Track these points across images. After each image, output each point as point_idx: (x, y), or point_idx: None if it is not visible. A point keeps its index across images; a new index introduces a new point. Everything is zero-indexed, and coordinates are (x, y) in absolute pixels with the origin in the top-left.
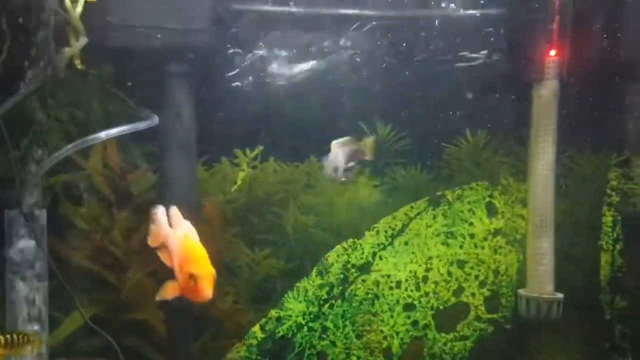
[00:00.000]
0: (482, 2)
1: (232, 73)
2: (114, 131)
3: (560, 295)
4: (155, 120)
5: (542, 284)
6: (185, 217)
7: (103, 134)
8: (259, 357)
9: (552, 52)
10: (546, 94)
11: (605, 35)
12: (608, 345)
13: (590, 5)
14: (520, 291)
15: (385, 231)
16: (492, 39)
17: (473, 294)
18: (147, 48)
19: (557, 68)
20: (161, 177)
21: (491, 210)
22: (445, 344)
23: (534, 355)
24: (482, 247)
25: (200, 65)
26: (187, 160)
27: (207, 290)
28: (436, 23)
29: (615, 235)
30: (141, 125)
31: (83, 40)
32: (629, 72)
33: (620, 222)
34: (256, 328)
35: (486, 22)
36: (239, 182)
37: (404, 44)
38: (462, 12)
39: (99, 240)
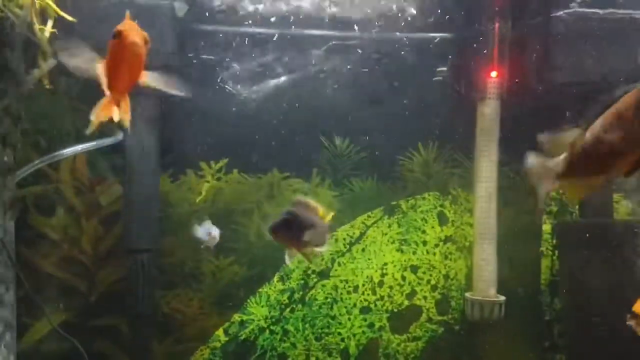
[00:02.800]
0: (434, 25)
1: (198, 90)
2: (79, 147)
3: (502, 298)
4: (119, 136)
5: (486, 287)
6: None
7: (69, 151)
8: None
9: (493, 74)
10: (488, 112)
11: (539, 59)
12: (548, 344)
13: (526, 31)
14: (467, 294)
15: (344, 239)
16: (442, 61)
17: (425, 298)
18: None
19: (498, 88)
20: (125, 190)
21: (442, 219)
22: (398, 344)
23: (481, 354)
24: (434, 254)
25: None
26: (150, 173)
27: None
28: (393, 45)
29: (554, 241)
30: (105, 141)
31: (51, 62)
32: (561, 92)
33: (556, 230)
34: (220, 332)
35: (438, 45)
36: (203, 193)
37: (362, 64)
38: (416, 34)
39: (68, 249)
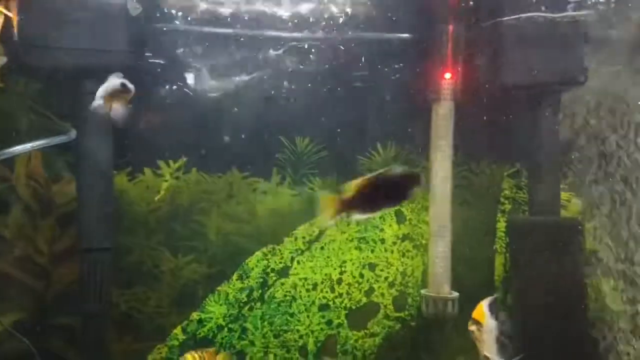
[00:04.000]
0: (391, 27)
1: (156, 89)
2: (29, 145)
3: (455, 295)
4: (72, 134)
5: (440, 284)
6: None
7: (19, 148)
8: (180, 358)
9: (447, 75)
10: (443, 112)
11: (492, 61)
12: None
13: (480, 33)
14: (423, 291)
15: (303, 237)
16: (400, 62)
17: (382, 294)
18: (64, 67)
19: (452, 89)
20: (79, 189)
21: (400, 218)
22: (356, 340)
23: (437, 350)
24: (392, 251)
25: None
26: (104, 171)
27: None
28: (351, 45)
29: (507, 239)
30: (57, 139)
31: (2, 60)
32: (513, 94)
33: (511, 229)
34: (178, 330)
35: (395, 46)
36: (162, 192)
37: (320, 65)
38: (375, 35)
39: (23, 248)
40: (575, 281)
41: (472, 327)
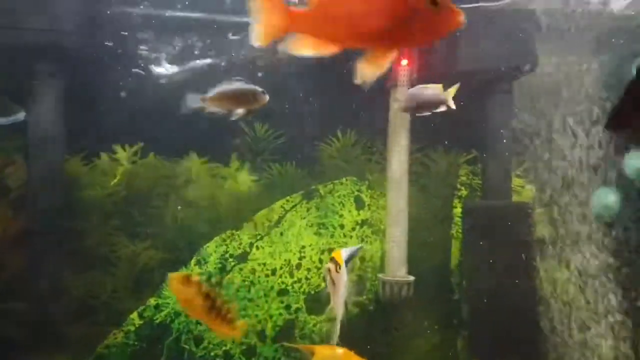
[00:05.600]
0: None
1: (112, 72)
2: None
3: (411, 278)
4: (21, 116)
5: (396, 268)
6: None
7: None
8: (136, 343)
9: (404, 62)
10: (400, 99)
11: (447, 48)
12: (456, 321)
13: None
14: (380, 275)
15: (263, 223)
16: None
17: None
18: (14, 47)
19: (409, 76)
20: (30, 171)
21: (359, 203)
22: (314, 325)
23: (394, 332)
24: (351, 237)
25: (72, 64)
26: (54, 155)
27: None
28: None
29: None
30: (5, 120)
31: None
32: (466, 81)
33: (465, 213)
34: (134, 315)
35: None
36: (118, 177)
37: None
38: None
39: None
40: (524, 263)
41: (330, 265)
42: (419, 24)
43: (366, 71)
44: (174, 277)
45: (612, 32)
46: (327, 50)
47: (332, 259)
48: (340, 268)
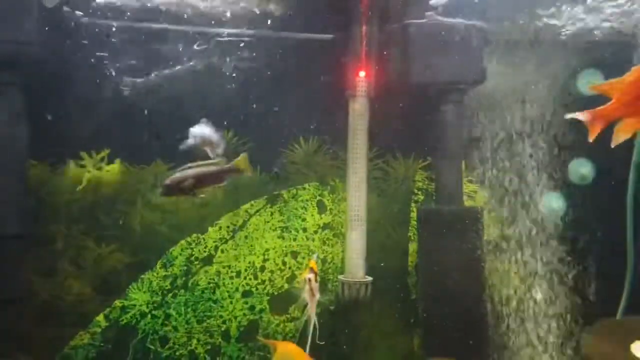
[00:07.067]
0: (310, 26)
1: (77, 81)
2: None
3: (369, 279)
4: None
5: (355, 270)
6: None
7: None
8: (102, 344)
9: (362, 73)
10: (358, 108)
11: (400, 60)
12: (412, 320)
13: (391, 35)
14: (340, 276)
15: (227, 226)
16: (319, 60)
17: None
18: None
19: (366, 86)
20: None
21: (321, 208)
22: (278, 325)
23: (354, 331)
24: (313, 240)
25: (34, 74)
26: (16, 160)
27: None
28: (273, 43)
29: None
30: None
31: None
32: (420, 92)
33: (419, 217)
34: (100, 317)
35: (316, 45)
36: (84, 183)
37: (245, 60)
38: (296, 34)
39: None
40: (474, 265)
41: (310, 276)
42: None
43: (621, 135)
44: None
45: (560, 47)
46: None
47: (311, 269)
48: (318, 277)
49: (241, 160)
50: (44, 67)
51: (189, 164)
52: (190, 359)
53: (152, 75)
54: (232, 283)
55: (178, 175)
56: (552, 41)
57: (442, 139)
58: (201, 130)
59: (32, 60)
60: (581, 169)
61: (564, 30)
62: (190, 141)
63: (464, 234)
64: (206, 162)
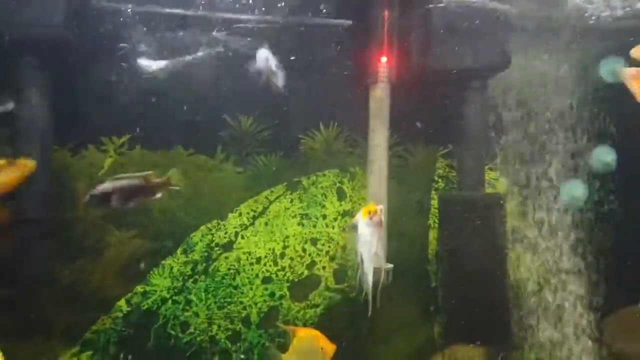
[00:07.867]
0: (331, 12)
1: (100, 65)
2: None
3: (390, 266)
4: (9, 106)
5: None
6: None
7: None
8: (124, 329)
9: (383, 59)
10: (379, 95)
11: (423, 46)
12: (433, 308)
13: (413, 20)
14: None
15: (248, 213)
16: (340, 46)
17: (324, 268)
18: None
19: (387, 73)
20: None
21: (341, 195)
22: (298, 311)
23: (374, 318)
24: (333, 227)
25: (58, 57)
26: (41, 145)
27: None
28: (299, 28)
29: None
30: None
31: None
32: (443, 78)
33: (440, 204)
34: (122, 302)
35: (336, 30)
36: (105, 168)
37: (267, 46)
38: (316, 20)
39: None
40: (496, 251)
41: (380, 206)
42: None
43: None
44: None
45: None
46: None
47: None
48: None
49: (172, 175)
50: (68, 51)
51: (117, 176)
52: (211, 344)
53: (173, 60)
54: (252, 269)
55: (106, 185)
56: (580, 27)
57: (464, 125)
58: (265, 54)
59: (56, 44)
60: (605, 156)
61: (592, 15)
62: (260, 64)
63: (486, 220)
64: (135, 174)
